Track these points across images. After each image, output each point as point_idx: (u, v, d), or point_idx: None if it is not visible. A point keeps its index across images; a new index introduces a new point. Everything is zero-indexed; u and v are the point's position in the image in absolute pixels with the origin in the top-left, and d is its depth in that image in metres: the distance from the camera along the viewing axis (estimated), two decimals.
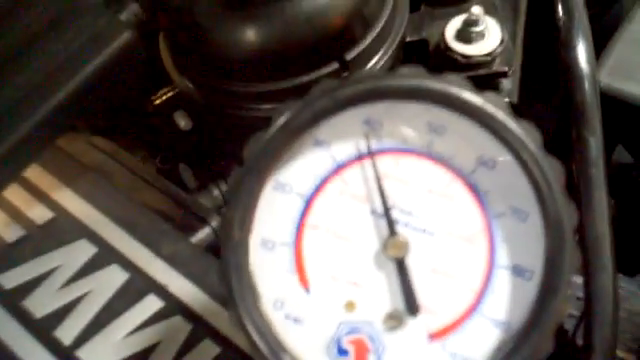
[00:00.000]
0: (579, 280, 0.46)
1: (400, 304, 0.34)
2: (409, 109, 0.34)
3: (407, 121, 0.35)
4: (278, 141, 0.33)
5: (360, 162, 0.35)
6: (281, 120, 0.33)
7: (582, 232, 0.45)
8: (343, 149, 0.35)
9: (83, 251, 0.49)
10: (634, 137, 0.63)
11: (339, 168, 0.35)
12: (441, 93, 0.33)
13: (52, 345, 0.44)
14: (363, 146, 0.35)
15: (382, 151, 0.35)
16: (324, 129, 0.34)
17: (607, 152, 0.63)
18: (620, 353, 0.51)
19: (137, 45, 0.51)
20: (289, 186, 0.35)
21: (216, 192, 0.62)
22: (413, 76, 0.34)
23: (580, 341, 0.48)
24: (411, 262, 0.35)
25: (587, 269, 0.44)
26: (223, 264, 0.33)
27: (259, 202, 0.34)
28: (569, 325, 0.53)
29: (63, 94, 0.47)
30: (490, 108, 0.33)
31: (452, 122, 0.34)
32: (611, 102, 0.56)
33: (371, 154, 0.35)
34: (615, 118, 0.55)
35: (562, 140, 0.48)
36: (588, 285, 0.44)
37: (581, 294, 0.46)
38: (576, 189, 0.46)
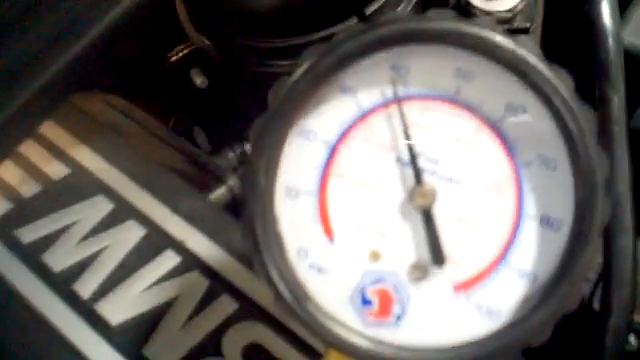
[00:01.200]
0: None
1: (425, 254, 0.34)
2: (437, 54, 0.33)
3: (435, 66, 0.33)
4: (303, 86, 0.33)
5: (386, 109, 0.34)
6: (306, 64, 0.32)
7: None
8: (369, 96, 0.34)
9: (100, 207, 0.49)
10: None
11: (365, 115, 0.34)
12: (471, 36, 0.32)
13: (70, 298, 0.44)
14: (389, 92, 0.34)
15: (409, 97, 0.34)
16: (350, 75, 0.33)
17: (628, 114, 0.62)
18: (637, 317, 0.50)
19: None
20: (314, 133, 0.34)
21: (230, 154, 0.61)
22: (442, 19, 0.33)
23: (597, 306, 0.47)
24: (437, 212, 0.34)
25: (607, 231, 0.44)
26: (248, 212, 0.32)
27: (284, 148, 0.33)
28: (586, 289, 0.52)
29: (75, 50, 0.47)
30: (522, 52, 0.32)
31: (481, 67, 0.33)
32: (634, 61, 0.55)
33: (398, 100, 0.34)
34: (636, 78, 0.54)
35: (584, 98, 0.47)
36: (607, 246, 0.44)
37: (600, 257, 0.46)
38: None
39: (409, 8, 0.53)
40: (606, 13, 0.48)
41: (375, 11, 0.51)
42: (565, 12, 0.59)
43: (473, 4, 0.54)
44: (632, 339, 0.49)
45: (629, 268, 0.43)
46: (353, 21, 0.51)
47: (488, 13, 0.53)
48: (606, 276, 0.44)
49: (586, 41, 0.48)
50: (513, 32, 0.53)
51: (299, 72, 0.32)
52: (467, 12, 0.53)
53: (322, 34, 0.51)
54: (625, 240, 0.43)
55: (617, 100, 0.46)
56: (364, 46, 0.32)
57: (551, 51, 0.58)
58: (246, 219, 0.32)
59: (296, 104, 0.33)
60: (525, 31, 0.55)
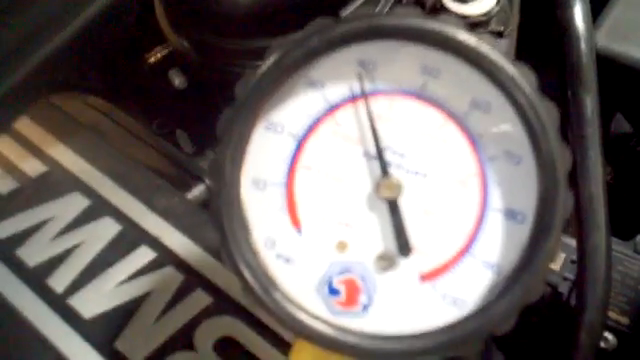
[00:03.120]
0: (574, 243, 0.46)
1: (392, 245, 0.34)
2: (404, 50, 0.34)
3: (401, 62, 0.34)
4: (270, 79, 0.33)
5: (353, 103, 0.35)
6: (273, 57, 0.33)
7: (576, 192, 0.45)
8: (336, 90, 0.35)
9: (76, 203, 0.49)
10: (632, 102, 0.63)
11: (332, 109, 0.35)
12: (436, 33, 0.33)
13: (44, 293, 0.44)
14: (356, 87, 0.34)
15: (376, 92, 0.35)
16: (317, 69, 0.34)
17: (605, 120, 0.63)
18: (614, 315, 0.51)
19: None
20: (281, 126, 0.35)
21: (212, 156, 0.62)
22: (408, 15, 0.33)
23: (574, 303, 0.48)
24: (403, 203, 0.34)
25: (581, 229, 0.44)
26: (215, 202, 0.33)
27: (251, 141, 0.34)
28: (564, 288, 0.53)
29: (54, 45, 0.47)
30: (485, 48, 0.33)
31: (446, 64, 0.34)
32: (608, 65, 0.56)
33: (364, 95, 0.34)
34: (613, 82, 0.55)
35: (558, 101, 0.48)
36: (581, 244, 0.44)
37: (575, 257, 0.46)
38: (571, 149, 0.46)
39: (384, 11, 0.54)
40: (578, 17, 0.49)
41: (350, 13, 0.52)
42: (540, 16, 0.60)
43: (448, 7, 0.54)
44: (610, 337, 0.50)
45: (602, 266, 0.44)
46: None
47: (463, 17, 0.54)
48: (580, 273, 0.44)
49: (559, 44, 0.49)
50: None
51: (266, 65, 0.33)
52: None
53: (297, 36, 0.51)
54: (598, 238, 0.44)
55: (590, 102, 0.47)
56: (331, 41, 0.33)
57: (527, 54, 0.59)
58: (213, 210, 0.33)
59: (263, 97, 0.33)
60: (500, 34, 0.55)
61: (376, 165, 0.34)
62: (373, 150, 0.34)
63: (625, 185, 0.65)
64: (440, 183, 0.34)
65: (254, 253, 0.33)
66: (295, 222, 0.35)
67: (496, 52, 0.33)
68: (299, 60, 0.33)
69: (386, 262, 0.35)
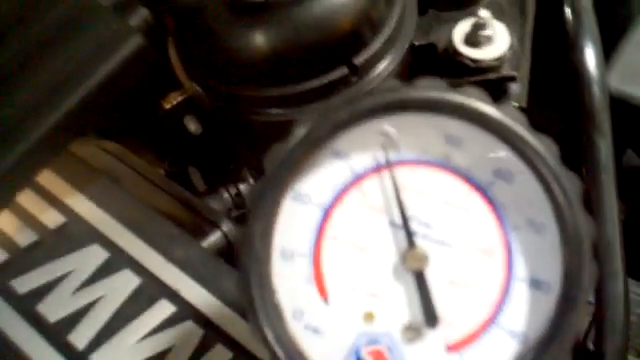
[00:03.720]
0: None
1: (419, 315, 0.35)
2: (427, 121, 0.34)
3: (425, 133, 0.35)
4: (298, 152, 0.34)
5: (378, 173, 0.35)
6: (301, 131, 0.34)
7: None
8: (361, 160, 0.35)
9: (95, 256, 0.49)
10: None
11: (357, 179, 0.35)
12: (460, 106, 0.34)
13: (66, 350, 0.44)
14: (381, 157, 0.35)
15: (400, 162, 0.35)
16: (343, 140, 0.34)
17: (617, 155, 0.63)
18: (631, 358, 0.51)
19: (147, 50, 0.51)
20: (308, 197, 0.35)
21: (225, 195, 0.62)
22: (432, 88, 0.34)
23: (591, 345, 0.48)
24: (429, 274, 0.35)
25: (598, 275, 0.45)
26: (244, 275, 0.33)
27: (279, 213, 0.34)
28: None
29: (73, 101, 0.47)
30: (508, 122, 0.33)
31: (470, 134, 0.34)
32: (620, 106, 0.57)
33: (389, 165, 0.35)
34: (624, 122, 0.55)
35: (572, 145, 0.48)
36: (599, 292, 0.45)
37: (592, 299, 0.46)
38: (586, 194, 0.46)
39: (397, 59, 0.54)
40: (591, 61, 0.49)
41: (365, 61, 0.52)
42: (552, 60, 0.61)
43: (461, 53, 0.55)
44: None
45: (621, 314, 0.44)
46: (343, 71, 0.52)
47: (475, 61, 0.55)
48: (599, 321, 0.44)
49: (573, 88, 0.50)
50: (501, 80, 0.55)
51: (294, 139, 0.33)
52: (455, 61, 0.55)
53: (312, 84, 0.52)
54: (616, 286, 0.44)
55: (604, 147, 0.48)
56: (357, 114, 0.34)
57: (540, 97, 0.60)
58: (243, 282, 0.33)
59: (291, 170, 0.34)
60: (512, 79, 0.56)
61: (402, 235, 0.35)
62: (399, 220, 0.35)
63: (638, 221, 0.65)
64: (465, 253, 0.35)
65: (283, 325, 0.34)
66: (322, 292, 0.35)
67: (518, 124, 0.34)
68: (326, 133, 0.34)
69: (413, 333, 0.35)
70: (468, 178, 0.35)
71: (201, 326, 0.46)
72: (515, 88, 0.57)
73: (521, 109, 0.57)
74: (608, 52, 0.57)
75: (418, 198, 0.35)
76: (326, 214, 0.35)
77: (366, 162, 0.35)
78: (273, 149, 0.34)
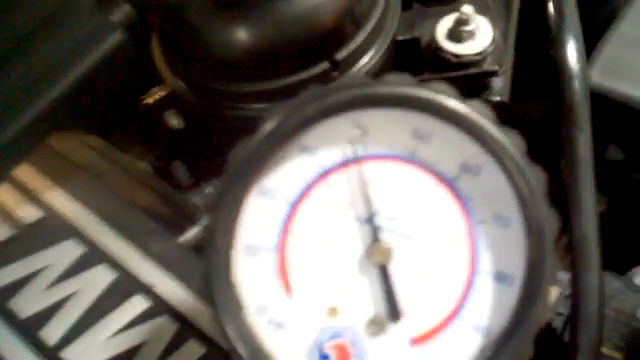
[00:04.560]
0: (567, 277, 0.46)
1: (382, 310, 0.35)
2: (395, 116, 0.34)
3: (393, 128, 0.35)
4: (264, 148, 0.34)
5: (346, 168, 0.35)
6: (268, 127, 0.33)
7: (569, 232, 0.45)
8: (329, 155, 0.35)
9: (71, 251, 0.49)
10: (625, 136, 0.63)
11: (325, 174, 0.35)
12: (426, 101, 0.33)
13: (37, 345, 0.44)
14: (349, 152, 0.35)
15: (367, 157, 0.35)
16: (310, 135, 0.34)
17: (600, 150, 0.63)
18: (607, 351, 0.51)
19: (128, 46, 0.51)
20: (274, 192, 0.35)
21: (209, 190, 0.62)
22: (399, 83, 0.34)
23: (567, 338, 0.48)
24: (394, 268, 0.35)
25: (573, 269, 0.45)
26: (206, 270, 0.33)
27: (244, 208, 0.34)
28: (558, 323, 0.53)
29: (53, 95, 0.48)
30: (474, 116, 0.33)
31: (437, 129, 0.34)
32: (602, 101, 0.56)
33: (356, 160, 0.35)
34: (606, 117, 0.55)
35: (551, 139, 0.48)
36: (574, 285, 0.45)
37: (569, 292, 0.46)
38: (564, 187, 0.46)
39: (379, 54, 0.54)
40: (572, 56, 0.49)
41: (346, 56, 0.52)
42: (535, 55, 0.60)
43: (443, 48, 0.55)
44: None
45: (595, 307, 0.44)
46: (325, 66, 0.52)
47: (457, 56, 0.54)
48: (574, 314, 0.44)
49: (553, 82, 0.50)
50: (483, 75, 0.55)
51: (260, 135, 0.33)
52: (438, 56, 0.55)
53: (294, 79, 0.52)
54: (591, 278, 0.44)
55: (583, 141, 0.48)
56: (325, 109, 0.34)
57: (522, 92, 0.60)
58: (204, 278, 0.33)
59: (257, 166, 0.34)
60: (494, 74, 0.56)
61: (367, 230, 0.35)
62: (365, 214, 0.35)
63: (620, 215, 0.65)
64: (430, 247, 0.35)
65: (245, 321, 0.34)
66: (287, 287, 0.35)
67: (485, 119, 0.34)
68: (293, 129, 0.34)
69: (376, 327, 0.35)
70: (435, 172, 0.35)
71: (175, 321, 0.46)
72: (497, 83, 0.57)
73: (503, 104, 0.57)
74: (590, 49, 0.56)
75: (385, 192, 0.35)
76: (292, 209, 0.35)
77: (333, 157, 0.35)
78: (238, 144, 0.34)
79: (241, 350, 0.33)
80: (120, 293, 0.47)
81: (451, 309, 0.35)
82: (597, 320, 0.44)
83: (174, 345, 0.44)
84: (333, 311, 0.35)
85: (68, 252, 0.49)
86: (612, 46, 0.61)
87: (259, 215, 0.35)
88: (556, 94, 0.49)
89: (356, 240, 0.35)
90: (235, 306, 0.34)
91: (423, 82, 0.34)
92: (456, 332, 0.34)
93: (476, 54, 0.55)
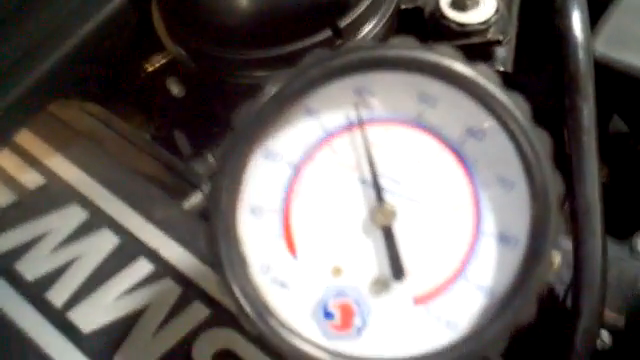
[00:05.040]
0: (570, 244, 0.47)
1: (386, 269, 0.35)
2: (400, 79, 0.34)
3: (398, 91, 0.35)
4: (269, 110, 0.34)
5: (350, 131, 0.35)
6: (272, 89, 0.33)
7: (572, 199, 0.45)
8: (333, 118, 0.35)
9: (74, 216, 0.49)
10: (629, 107, 0.63)
11: (329, 137, 0.35)
12: (432, 64, 0.33)
13: (43, 307, 0.45)
14: (353, 115, 0.35)
15: (372, 120, 0.35)
16: (315, 98, 0.34)
17: (604, 121, 0.62)
18: (610, 315, 0.51)
19: (129, 10, 0.50)
20: (279, 154, 0.35)
21: (210, 158, 0.62)
22: (404, 47, 0.34)
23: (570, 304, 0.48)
24: (398, 229, 0.35)
25: (576, 235, 0.45)
26: (211, 229, 0.34)
27: (248, 169, 0.34)
28: (560, 290, 0.53)
29: (54, 59, 0.47)
30: (480, 80, 0.33)
31: (442, 93, 0.34)
32: (606, 72, 0.56)
33: (361, 123, 0.35)
34: (610, 88, 0.55)
35: (555, 108, 0.48)
36: (577, 251, 0.45)
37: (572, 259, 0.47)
38: (567, 157, 0.46)
39: (382, 22, 0.54)
40: (577, 25, 0.49)
41: (349, 24, 0.52)
42: (539, 24, 0.60)
43: (447, 16, 0.54)
44: (606, 336, 0.51)
45: (597, 273, 0.44)
46: (327, 34, 0.52)
47: (461, 25, 0.54)
48: (576, 279, 0.45)
49: (557, 52, 0.49)
50: (487, 44, 0.55)
51: (265, 96, 0.33)
52: (442, 25, 0.54)
53: (296, 46, 0.51)
54: (593, 245, 0.45)
55: (587, 110, 0.48)
56: (329, 72, 0.33)
57: (526, 62, 0.59)
58: (209, 236, 0.33)
59: (261, 127, 0.34)
60: (498, 43, 0.55)
61: (371, 192, 0.35)
62: (369, 177, 0.35)
63: (622, 184, 0.65)
64: (434, 209, 0.35)
65: (249, 280, 0.34)
66: (291, 248, 0.35)
67: (491, 82, 0.34)
68: (297, 91, 0.34)
69: (380, 286, 0.35)
70: (440, 136, 0.35)
71: (179, 284, 0.46)
72: (501, 52, 0.57)
73: (507, 73, 0.57)
74: (595, 19, 0.56)
75: (389, 155, 0.35)
76: (296, 171, 0.35)
77: (338, 120, 0.35)
78: (243, 106, 0.34)
79: (247, 308, 0.33)
80: (124, 257, 0.47)
81: (455, 269, 0.35)
82: (599, 285, 0.44)
83: (179, 307, 0.45)
84: (337, 271, 0.35)
85: (71, 217, 0.49)
86: (617, 16, 0.61)
87: (264, 177, 0.35)
88: (560, 64, 0.49)
89: (360, 202, 0.35)
90: (240, 265, 0.34)
91: (427, 45, 0.34)
92: (460, 292, 0.35)
93: (480, 23, 0.54)
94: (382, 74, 0.34)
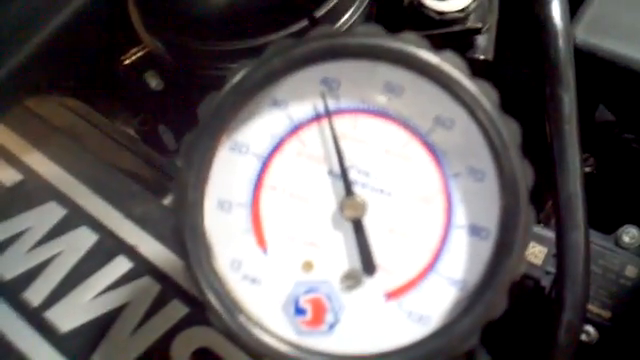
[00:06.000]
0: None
1: (357, 264, 0.35)
2: (366, 68, 0.34)
3: (364, 81, 0.34)
4: (232, 101, 0.33)
5: (318, 122, 0.35)
6: (235, 79, 0.33)
7: (555, 190, 0.45)
8: (300, 109, 0.35)
9: (52, 213, 0.49)
10: (612, 94, 0.63)
11: (297, 128, 0.35)
12: (397, 52, 0.33)
13: (21, 306, 0.45)
14: (320, 106, 0.34)
15: (340, 111, 0.35)
16: (281, 89, 0.34)
17: (589, 111, 0.62)
18: (595, 309, 0.51)
19: (100, 3, 0.50)
20: (246, 146, 0.35)
21: None
22: (370, 35, 0.33)
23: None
24: (368, 222, 0.35)
25: (559, 227, 0.45)
26: (178, 226, 0.33)
27: (215, 163, 0.34)
28: (546, 282, 0.53)
29: (25, 51, 0.47)
30: (445, 67, 0.33)
31: (409, 82, 0.34)
32: (588, 59, 0.56)
33: (328, 114, 0.34)
34: (593, 76, 0.54)
35: (536, 97, 0.48)
36: (560, 242, 0.45)
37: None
38: (549, 146, 0.46)
39: (360, 11, 0.53)
40: (556, 13, 0.49)
41: (325, 14, 0.52)
42: (519, 12, 0.60)
43: (425, 4, 0.54)
44: (591, 330, 0.51)
45: (581, 265, 0.44)
46: (303, 24, 0.51)
47: (440, 13, 0.54)
48: (559, 272, 0.45)
49: (537, 41, 0.49)
50: (466, 32, 0.54)
51: (228, 87, 0.33)
52: (421, 14, 0.54)
53: (273, 37, 0.51)
54: (576, 237, 0.44)
55: (568, 99, 0.47)
56: (292, 61, 0.33)
57: (506, 50, 0.59)
58: (176, 233, 0.33)
59: (226, 119, 0.33)
60: (478, 31, 0.55)
61: (341, 184, 0.35)
62: (338, 169, 0.35)
63: (608, 175, 0.65)
64: (405, 201, 0.35)
65: (219, 276, 0.34)
66: (261, 242, 0.35)
67: (457, 70, 0.33)
68: (261, 81, 0.33)
69: (352, 281, 0.35)
70: (408, 126, 0.34)
71: (158, 282, 0.46)
72: (481, 40, 0.56)
73: (487, 62, 0.56)
74: (574, 7, 0.56)
75: (358, 147, 0.35)
76: (265, 164, 0.35)
77: (305, 111, 0.35)
78: (206, 98, 0.34)
79: (215, 305, 0.33)
80: (103, 254, 0.47)
81: (426, 263, 0.35)
82: (583, 277, 0.44)
83: (158, 305, 0.45)
84: (308, 265, 0.35)
85: (49, 214, 0.49)
86: (598, 3, 0.60)
87: (231, 170, 0.35)
88: (540, 53, 0.48)
89: (329, 195, 0.35)
90: (208, 260, 0.34)
91: (393, 33, 0.34)
92: (431, 285, 0.35)
93: (459, 11, 0.54)
94: (347, 63, 0.33)
